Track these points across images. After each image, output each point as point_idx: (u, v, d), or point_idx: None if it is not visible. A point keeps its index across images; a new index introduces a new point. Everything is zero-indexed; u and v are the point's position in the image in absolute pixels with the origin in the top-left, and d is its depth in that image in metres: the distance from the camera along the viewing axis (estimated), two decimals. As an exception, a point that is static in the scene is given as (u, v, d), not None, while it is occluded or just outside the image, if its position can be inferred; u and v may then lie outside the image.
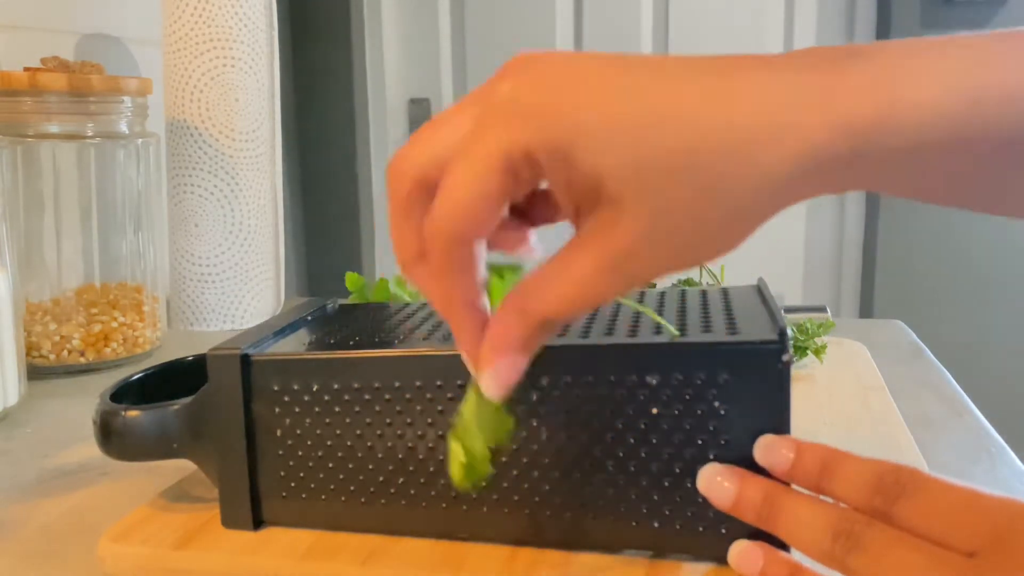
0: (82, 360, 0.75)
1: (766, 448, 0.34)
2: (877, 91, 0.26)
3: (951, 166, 0.27)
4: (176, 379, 0.46)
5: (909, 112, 0.26)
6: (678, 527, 0.36)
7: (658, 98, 0.27)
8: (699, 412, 0.35)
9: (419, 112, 1.93)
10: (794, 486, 0.34)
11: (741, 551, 0.34)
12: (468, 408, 0.34)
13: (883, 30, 1.64)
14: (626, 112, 0.27)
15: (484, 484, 0.35)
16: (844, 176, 0.27)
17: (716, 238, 0.28)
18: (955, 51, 0.26)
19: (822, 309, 0.72)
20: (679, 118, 0.27)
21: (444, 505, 0.39)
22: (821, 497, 0.33)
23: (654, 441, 0.36)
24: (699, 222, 0.27)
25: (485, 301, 0.32)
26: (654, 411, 0.35)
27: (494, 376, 0.32)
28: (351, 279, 0.60)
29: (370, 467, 0.39)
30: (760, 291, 0.43)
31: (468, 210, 0.29)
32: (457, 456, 0.34)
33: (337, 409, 0.39)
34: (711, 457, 0.35)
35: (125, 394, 0.44)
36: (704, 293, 0.44)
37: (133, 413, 0.41)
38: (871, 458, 0.33)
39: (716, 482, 0.34)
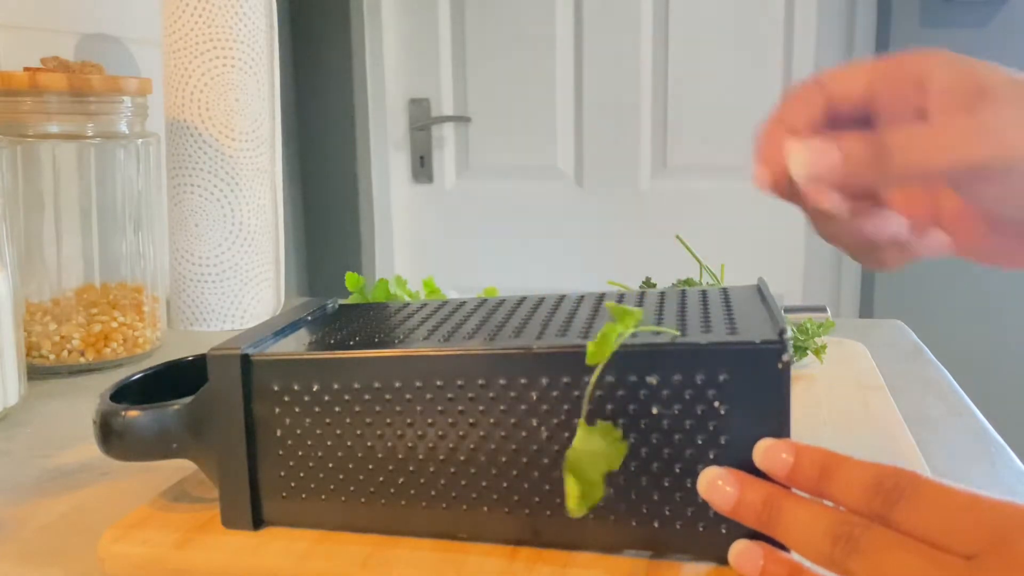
0: (82, 360, 0.75)
1: (765, 452, 0.34)
2: None
3: None
4: (176, 379, 0.46)
5: None
6: (678, 527, 0.36)
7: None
8: (699, 412, 0.35)
9: (419, 112, 1.93)
10: (794, 489, 0.34)
11: (741, 551, 0.34)
12: (579, 441, 0.35)
13: (883, 30, 1.64)
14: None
15: (598, 505, 0.36)
16: None
17: None
18: None
19: (822, 309, 0.72)
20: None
21: (444, 505, 0.39)
22: (822, 501, 0.33)
23: (654, 441, 0.36)
24: None
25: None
26: (654, 411, 0.35)
27: (806, 150, 0.34)
28: (351, 279, 0.60)
29: (370, 467, 0.39)
30: (760, 291, 0.43)
31: (841, 70, 0.37)
32: (573, 489, 0.35)
33: (337, 409, 0.39)
34: (711, 457, 0.35)
35: (125, 394, 0.44)
36: (704, 293, 0.44)
37: (133, 413, 0.41)
38: (870, 461, 0.33)
39: (717, 486, 0.34)
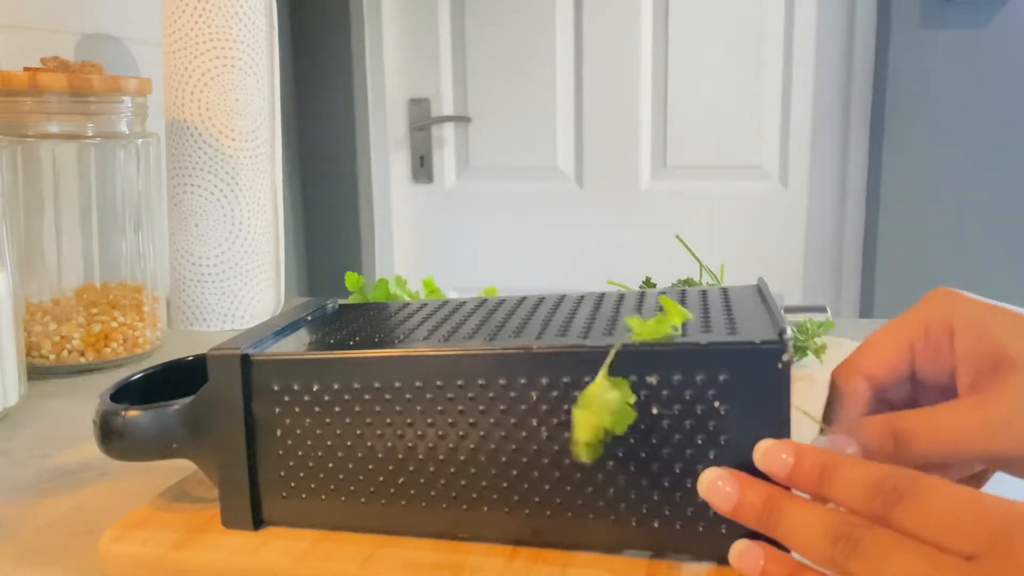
0: (82, 360, 0.75)
1: (765, 453, 0.34)
2: None
3: None
4: (176, 379, 0.46)
5: None
6: (678, 527, 0.36)
7: None
8: (699, 412, 0.35)
9: (419, 112, 1.93)
10: (794, 490, 0.34)
11: (742, 551, 0.34)
12: (596, 385, 0.35)
13: (883, 30, 1.64)
14: None
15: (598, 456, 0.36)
16: None
17: None
18: None
19: (822, 309, 0.72)
20: None
21: (444, 505, 0.39)
22: (823, 502, 0.33)
23: (654, 441, 0.36)
24: None
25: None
26: (654, 411, 0.35)
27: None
28: (351, 279, 0.60)
29: (370, 467, 0.39)
30: (760, 291, 0.43)
31: (876, 346, 0.39)
32: (580, 421, 0.35)
33: (337, 409, 0.39)
34: (711, 457, 0.35)
35: (125, 394, 0.44)
36: (704, 293, 0.44)
37: (133, 413, 0.41)
38: (871, 461, 0.33)
39: (717, 487, 0.34)
